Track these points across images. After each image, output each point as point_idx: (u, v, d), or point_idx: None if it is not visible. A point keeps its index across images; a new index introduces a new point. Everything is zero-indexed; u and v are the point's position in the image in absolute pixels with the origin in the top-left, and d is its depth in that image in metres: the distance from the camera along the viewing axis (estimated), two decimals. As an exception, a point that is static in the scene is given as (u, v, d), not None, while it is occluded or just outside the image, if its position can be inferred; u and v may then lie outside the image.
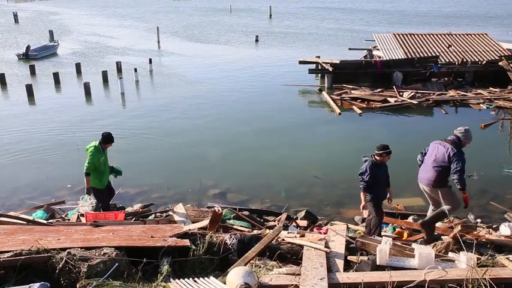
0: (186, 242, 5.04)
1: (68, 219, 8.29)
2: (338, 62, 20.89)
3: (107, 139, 8.13)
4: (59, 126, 15.83)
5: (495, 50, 22.63)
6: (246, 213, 8.50)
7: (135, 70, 23.49)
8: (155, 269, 4.68)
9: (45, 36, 39.65)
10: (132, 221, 7.27)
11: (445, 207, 6.55)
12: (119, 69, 25.36)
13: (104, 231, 5.71)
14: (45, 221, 7.57)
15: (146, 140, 14.42)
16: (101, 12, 68.87)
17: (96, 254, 4.53)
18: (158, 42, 37.99)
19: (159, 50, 35.31)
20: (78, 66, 25.84)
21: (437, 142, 6.63)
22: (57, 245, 4.71)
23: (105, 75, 23.15)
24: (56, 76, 22.86)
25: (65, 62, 29.47)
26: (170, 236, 5.22)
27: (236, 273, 4.25)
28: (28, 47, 30.55)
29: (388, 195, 7.24)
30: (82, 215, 7.98)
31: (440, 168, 6.43)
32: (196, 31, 46.87)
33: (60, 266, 4.33)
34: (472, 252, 4.84)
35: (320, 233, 6.90)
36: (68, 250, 4.52)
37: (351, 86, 20.26)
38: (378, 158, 6.97)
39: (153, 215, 8.12)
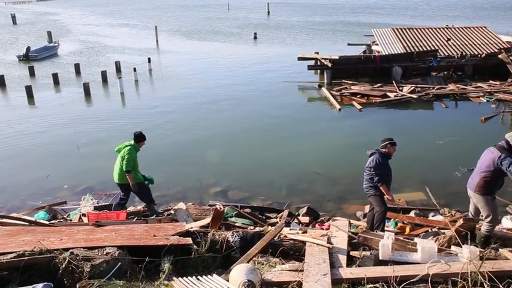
0: (189, 240, 5.04)
1: (70, 220, 8.32)
2: (337, 57, 20.85)
3: (141, 137, 8.35)
4: (59, 127, 15.83)
5: (494, 42, 22.59)
6: (248, 210, 8.52)
7: (134, 70, 23.48)
8: (158, 268, 4.68)
9: (44, 37, 39.58)
10: (134, 220, 7.29)
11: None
12: (118, 69, 25.34)
13: (106, 231, 5.70)
14: (47, 222, 7.58)
15: (147, 140, 14.38)
16: (98, 11, 68.77)
17: (99, 254, 4.52)
18: (157, 41, 37.95)
19: (158, 49, 35.27)
20: (77, 67, 25.82)
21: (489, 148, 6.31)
22: (60, 246, 4.71)
23: (104, 75, 23.14)
24: (55, 77, 22.86)
25: (65, 62, 29.43)
26: (172, 235, 5.22)
27: (239, 271, 4.25)
28: (28, 48, 30.51)
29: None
30: (84, 215, 8.02)
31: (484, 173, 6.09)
32: (194, 29, 46.81)
33: (63, 266, 4.33)
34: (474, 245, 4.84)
35: (322, 229, 6.89)
36: (70, 250, 4.52)
37: (351, 82, 20.23)
38: (384, 150, 7.02)
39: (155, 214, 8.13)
